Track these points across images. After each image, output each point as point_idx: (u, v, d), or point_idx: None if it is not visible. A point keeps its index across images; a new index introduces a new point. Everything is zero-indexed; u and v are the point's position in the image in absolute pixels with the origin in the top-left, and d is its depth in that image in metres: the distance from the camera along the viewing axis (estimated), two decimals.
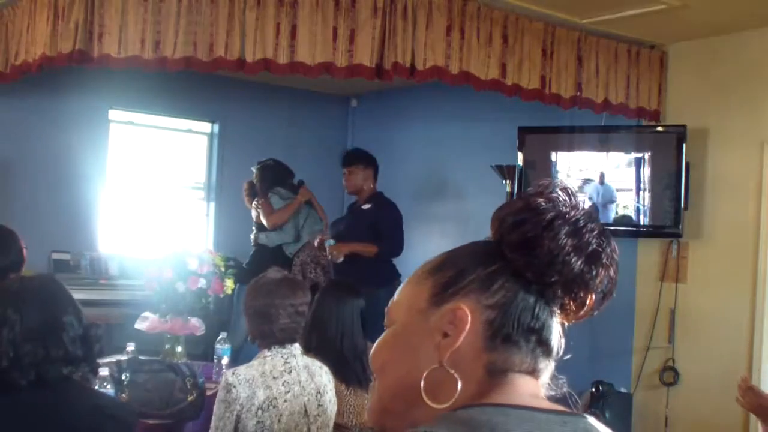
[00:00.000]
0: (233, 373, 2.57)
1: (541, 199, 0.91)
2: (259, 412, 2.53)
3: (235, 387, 2.52)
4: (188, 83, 6.07)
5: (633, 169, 5.02)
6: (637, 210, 5.01)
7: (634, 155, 5.04)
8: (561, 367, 0.95)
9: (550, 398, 0.92)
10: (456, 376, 0.87)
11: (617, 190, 5.07)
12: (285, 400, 2.59)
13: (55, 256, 5.99)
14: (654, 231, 5.00)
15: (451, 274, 0.91)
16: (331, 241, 5.08)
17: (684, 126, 4.89)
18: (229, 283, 3.97)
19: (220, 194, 6.95)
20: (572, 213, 0.90)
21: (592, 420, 0.90)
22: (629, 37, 5.02)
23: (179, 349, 3.84)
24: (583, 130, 5.14)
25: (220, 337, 3.92)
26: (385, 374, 0.94)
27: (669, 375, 5.05)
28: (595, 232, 0.90)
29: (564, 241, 0.88)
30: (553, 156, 5.20)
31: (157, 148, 6.81)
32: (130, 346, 3.68)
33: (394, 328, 0.95)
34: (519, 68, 4.55)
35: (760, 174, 4.75)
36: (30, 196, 5.92)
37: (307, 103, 7.35)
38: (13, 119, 5.92)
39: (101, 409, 1.89)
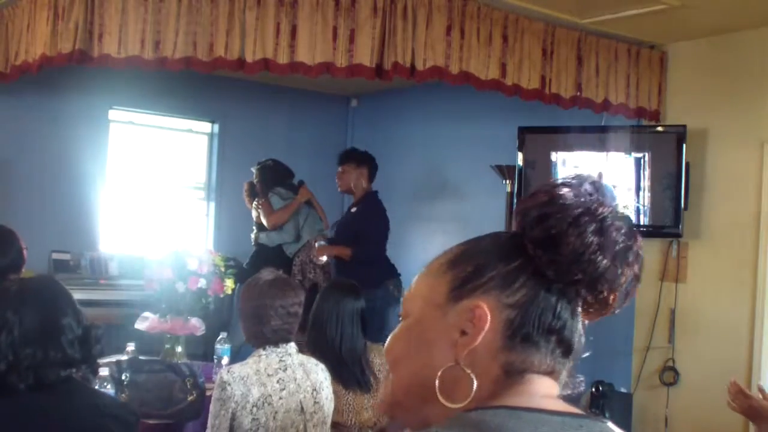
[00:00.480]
0: (228, 371, 2.58)
1: (568, 192, 0.86)
2: (254, 409, 2.54)
3: (229, 385, 2.53)
4: (188, 83, 6.07)
5: (633, 169, 5.02)
6: (637, 210, 5.01)
7: (633, 155, 5.03)
8: None
9: (564, 397, 0.89)
10: (472, 376, 0.84)
11: (617, 190, 5.08)
12: (280, 398, 2.59)
13: (55, 256, 5.99)
14: (654, 231, 5.00)
15: (471, 269, 0.88)
16: (322, 242, 5.13)
17: (684, 126, 4.89)
18: (229, 283, 3.97)
19: (220, 194, 6.95)
20: (600, 210, 0.85)
21: (610, 424, 0.87)
22: (629, 37, 5.02)
23: (179, 349, 3.84)
24: (583, 130, 5.13)
25: (220, 337, 3.92)
26: (399, 369, 0.91)
27: (669, 375, 5.05)
28: (623, 230, 0.86)
29: (590, 239, 0.83)
30: (553, 156, 5.19)
31: (157, 147, 6.81)
32: (130, 346, 3.68)
33: (408, 321, 0.91)
34: (519, 68, 4.55)
35: (760, 174, 4.75)
36: (30, 196, 5.92)
37: (307, 103, 7.35)
38: (13, 119, 5.92)
39: (103, 409, 1.89)
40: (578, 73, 4.82)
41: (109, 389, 2.94)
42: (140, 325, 3.83)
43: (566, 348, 0.87)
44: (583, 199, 0.85)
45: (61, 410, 1.85)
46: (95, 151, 6.25)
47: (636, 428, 5.16)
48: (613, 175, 5.06)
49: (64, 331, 1.87)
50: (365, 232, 5.02)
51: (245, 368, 2.59)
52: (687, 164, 4.85)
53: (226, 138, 7.00)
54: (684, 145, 4.84)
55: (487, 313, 0.85)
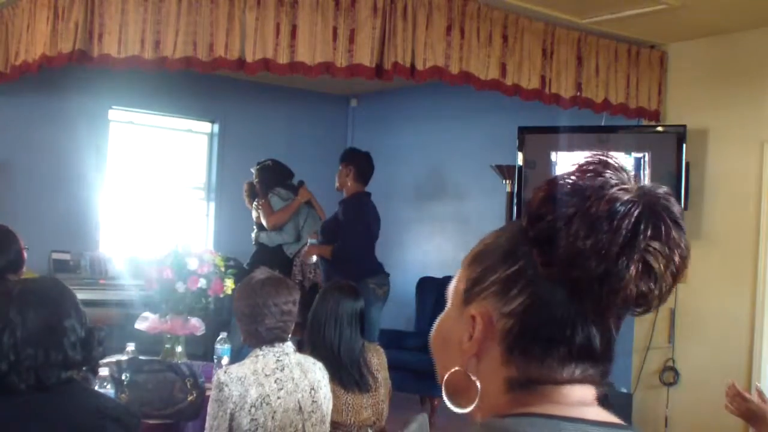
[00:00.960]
0: (225, 372, 2.58)
1: (567, 187, 0.81)
2: (252, 409, 2.54)
3: (227, 385, 2.53)
4: (188, 83, 6.07)
5: (633, 170, 5.02)
6: None
7: (634, 155, 5.03)
8: None
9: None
10: (477, 382, 0.83)
11: None
12: (278, 397, 2.59)
13: (55, 256, 5.99)
14: None
15: (479, 271, 0.86)
16: (313, 241, 5.21)
17: (684, 126, 4.89)
18: (229, 283, 3.97)
19: (220, 194, 6.95)
20: (599, 206, 0.79)
21: None
22: (629, 37, 5.02)
23: (179, 349, 3.84)
24: (583, 130, 5.14)
25: (220, 337, 3.92)
26: (435, 358, 0.90)
27: (669, 375, 5.05)
28: (627, 224, 0.78)
29: (581, 243, 0.78)
30: (553, 156, 5.19)
31: (157, 147, 6.81)
32: (130, 346, 3.67)
33: (445, 312, 0.91)
34: (519, 68, 4.55)
35: (760, 174, 4.75)
36: (30, 196, 5.92)
37: (307, 103, 7.35)
38: (13, 119, 5.92)
39: (103, 411, 1.89)
40: (578, 73, 4.82)
41: (109, 389, 2.94)
42: (140, 325, 3.83)
43: (586, 353, 0.82)
44: (582, 196, 0.80)
45: (62, 411, 1.85)
46: (95, 151, 6.25)
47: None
48: None
49: (67, 333, 1.87)
50: (342, 231, 5.06)
51: (242, 369, 2.59)
52: (687, 164, 4.85)
53: (226, 138, 7.00)
54: (684, 145, 4.84)
55: (481, 324, 0.83)
